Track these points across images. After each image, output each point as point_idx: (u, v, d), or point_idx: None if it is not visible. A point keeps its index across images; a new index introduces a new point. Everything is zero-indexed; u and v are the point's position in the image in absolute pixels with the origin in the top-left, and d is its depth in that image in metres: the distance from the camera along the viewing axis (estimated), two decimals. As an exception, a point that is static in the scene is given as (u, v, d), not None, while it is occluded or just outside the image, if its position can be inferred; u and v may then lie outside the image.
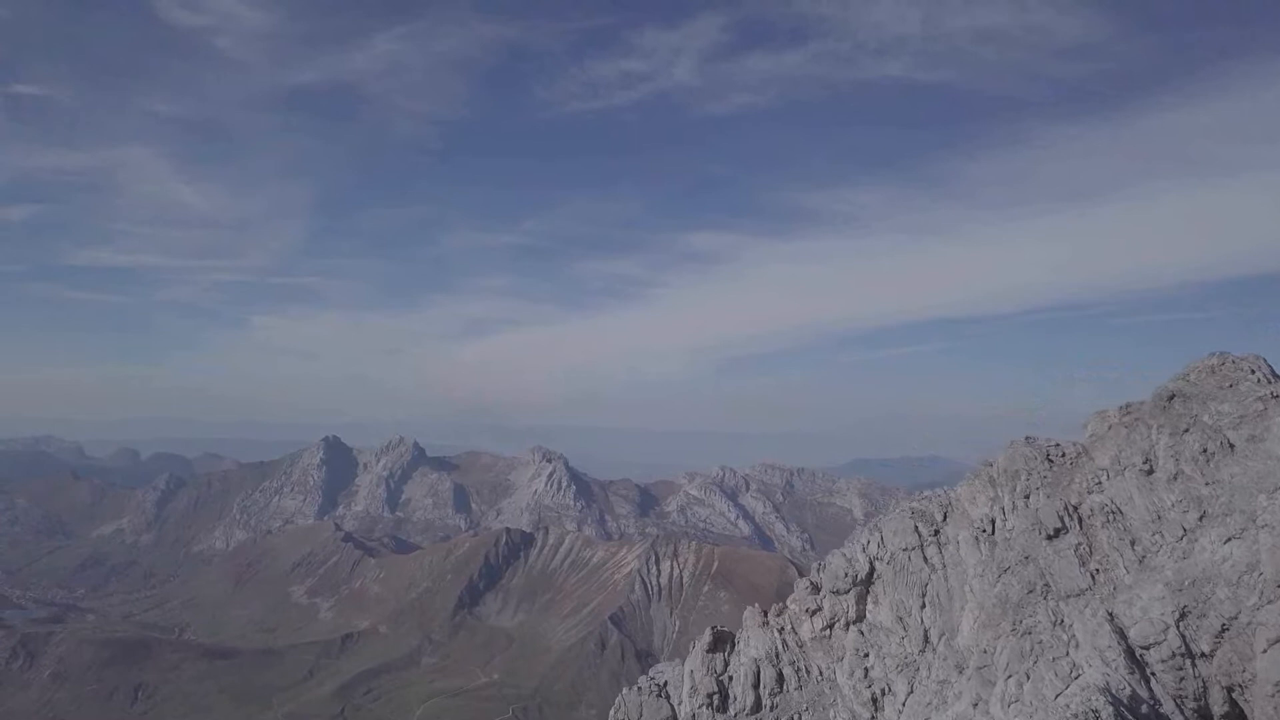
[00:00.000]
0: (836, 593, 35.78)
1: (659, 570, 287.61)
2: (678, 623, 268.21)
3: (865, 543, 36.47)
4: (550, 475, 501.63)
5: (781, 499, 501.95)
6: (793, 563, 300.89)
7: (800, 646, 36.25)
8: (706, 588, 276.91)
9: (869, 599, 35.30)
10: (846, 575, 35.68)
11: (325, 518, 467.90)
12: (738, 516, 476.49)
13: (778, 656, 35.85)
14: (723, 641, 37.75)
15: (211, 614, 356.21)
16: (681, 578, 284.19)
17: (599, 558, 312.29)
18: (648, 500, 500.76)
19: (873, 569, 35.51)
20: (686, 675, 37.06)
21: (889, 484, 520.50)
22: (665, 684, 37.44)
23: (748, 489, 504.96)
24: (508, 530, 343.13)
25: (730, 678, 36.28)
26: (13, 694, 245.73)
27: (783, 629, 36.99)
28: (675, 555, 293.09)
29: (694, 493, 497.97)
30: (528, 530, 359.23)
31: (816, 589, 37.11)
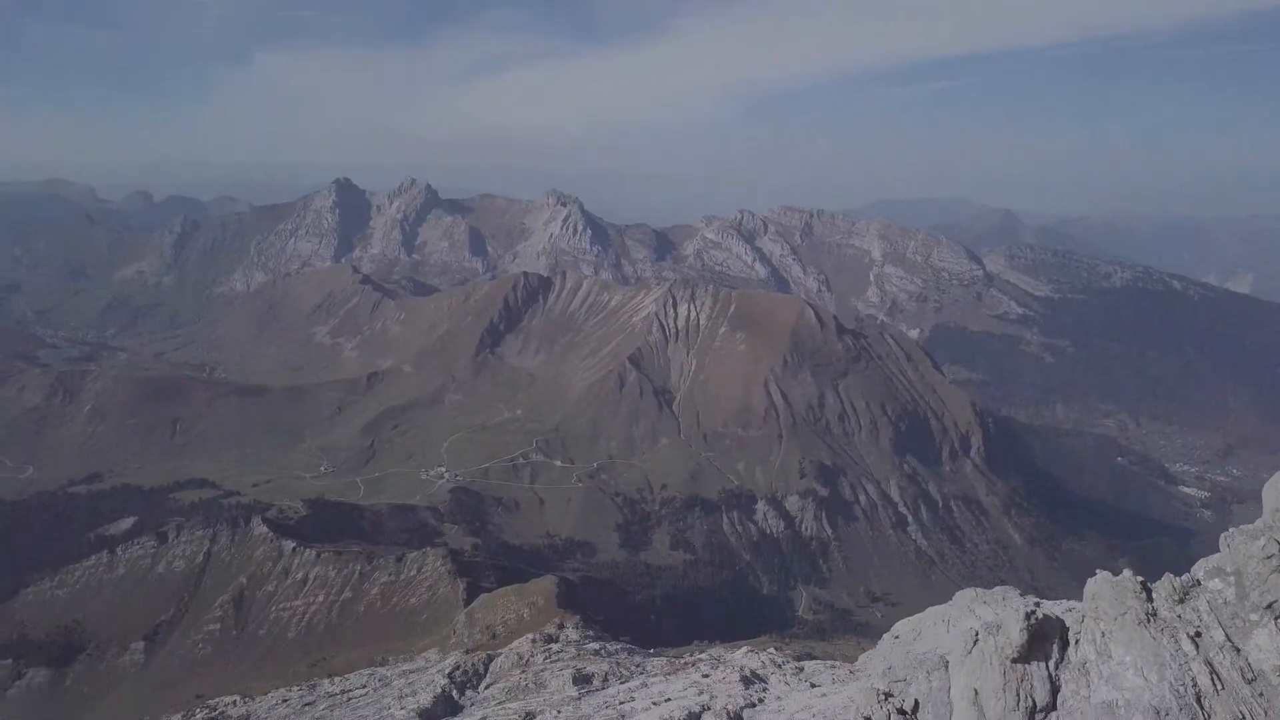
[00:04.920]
0: None
1: (676, 313, 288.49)
2: (694, 362, 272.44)
3: None
4: (565, 219, 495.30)
5: (799, 241, 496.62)
6: (809, 304, 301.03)
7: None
8: (723, 329, 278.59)
9: None
10: None
11: (342, 261, 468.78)
12: (755, 260, 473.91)
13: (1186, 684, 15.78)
14: (1044, 638, 17.10)
15: (238, 354, 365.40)
16: (699, 320, 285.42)
17: (616, 302, 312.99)
18: (664, 245, 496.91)
19: None
20: (962, 697, 17.32)
21: (909, 226, 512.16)
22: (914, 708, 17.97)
23: (765, 232, 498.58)
24: (525, 274, 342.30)
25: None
26: (56, 429, 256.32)
27: (1199, 633, 16.31)
28: (692, 298, 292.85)
29: (711, 237, 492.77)
30: (545, 274, 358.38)
31: None
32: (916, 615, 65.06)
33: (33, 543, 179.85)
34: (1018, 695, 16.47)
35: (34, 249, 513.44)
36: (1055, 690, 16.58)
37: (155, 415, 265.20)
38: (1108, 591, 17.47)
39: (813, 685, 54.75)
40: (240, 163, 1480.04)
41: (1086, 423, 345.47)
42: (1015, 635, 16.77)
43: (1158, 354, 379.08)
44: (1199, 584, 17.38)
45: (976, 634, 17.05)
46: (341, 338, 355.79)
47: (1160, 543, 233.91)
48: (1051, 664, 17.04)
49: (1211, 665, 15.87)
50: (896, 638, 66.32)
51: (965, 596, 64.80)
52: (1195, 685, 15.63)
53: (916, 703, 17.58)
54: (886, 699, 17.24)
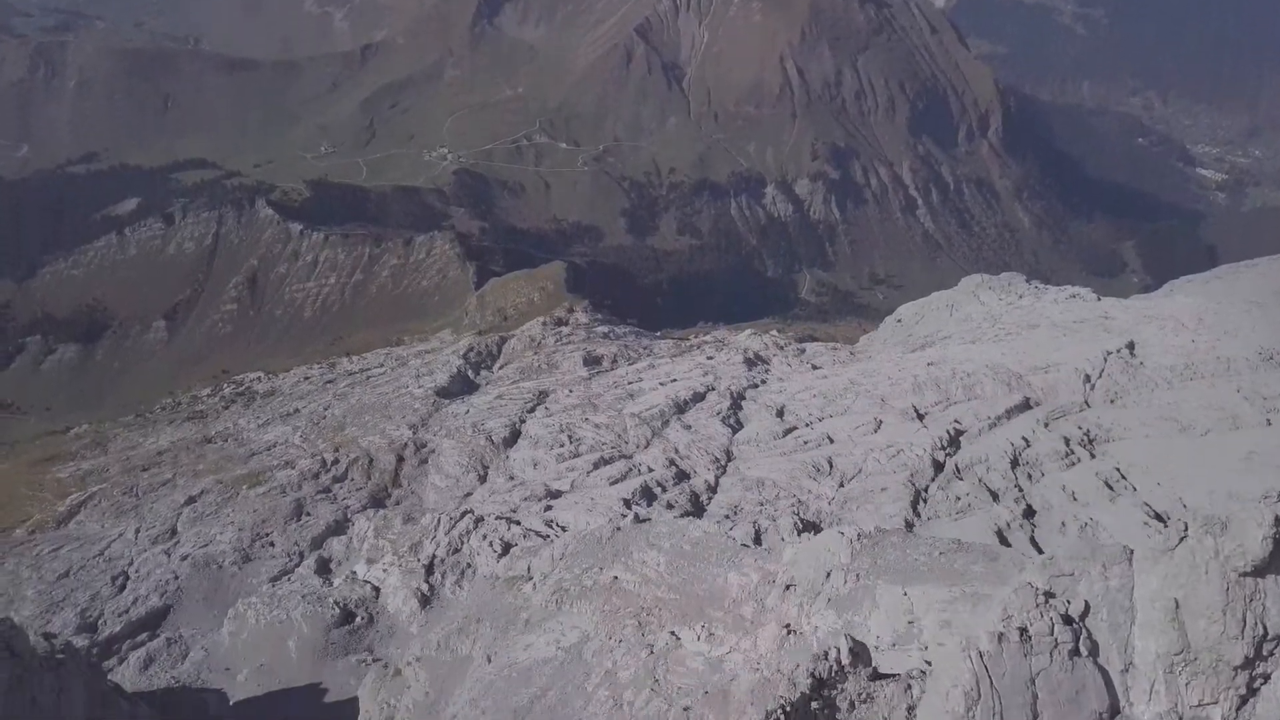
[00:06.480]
0: None
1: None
2: (706, 35, 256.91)
3: None
4: None
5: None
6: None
7: None
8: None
9: None
10: None
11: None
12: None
13: None
14: None
15: (221, 23, 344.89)
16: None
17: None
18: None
19: None
20: (1154, 606, 12.66)
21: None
22: (1083, 613, 13.49)
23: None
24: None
25: None
26: (43, 105, 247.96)
27: None
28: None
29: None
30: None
31: None
32: (920, 299, 64.19)
33: (40, 223, 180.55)
34: (1243, 620, 11.49)
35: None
36: None
37: (145, 91, 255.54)
38: None
39: (814, 367, 56.37)
40: None
41: (1112, 101, 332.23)
42: (1254, 545, 11.40)
43: (1197, 26, 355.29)
44: None
45: (1185, 527, 12.13)
46: (330, 6, 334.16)
47: (1170, 226, 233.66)
48: None
49: None
50: (899, 321, 65.92)
51: (971, 281, 63.56)
52: None
53: (1086, 606, 13.15)
54: (1047, 601, 12.89)
